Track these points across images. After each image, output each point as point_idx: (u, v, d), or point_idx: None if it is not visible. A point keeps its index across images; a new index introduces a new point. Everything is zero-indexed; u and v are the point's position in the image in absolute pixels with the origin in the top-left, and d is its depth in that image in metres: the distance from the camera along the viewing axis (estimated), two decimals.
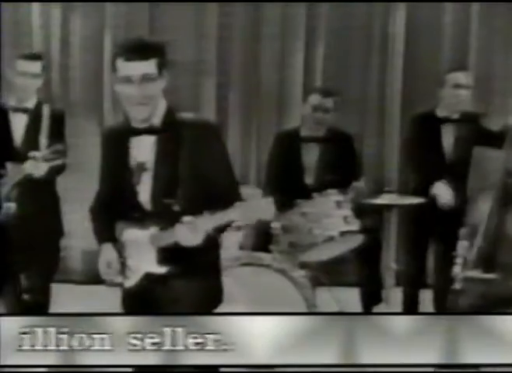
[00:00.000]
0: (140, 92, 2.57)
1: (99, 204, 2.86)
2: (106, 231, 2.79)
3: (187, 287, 2.65)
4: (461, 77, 4.45)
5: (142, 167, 2.67)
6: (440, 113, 4.50)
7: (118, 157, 2.71)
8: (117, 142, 2.73)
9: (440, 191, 4.28)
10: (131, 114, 2.65)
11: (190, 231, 2.52)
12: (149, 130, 2.66)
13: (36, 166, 3.72)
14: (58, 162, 3.81)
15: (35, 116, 3.94)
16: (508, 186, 4.02)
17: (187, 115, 2.72)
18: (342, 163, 4.46)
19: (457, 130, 4.46)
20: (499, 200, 3.99)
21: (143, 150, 2.67)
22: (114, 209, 2.78)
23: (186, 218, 2.54)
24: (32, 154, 3.74)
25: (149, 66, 2.57)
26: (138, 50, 2.58)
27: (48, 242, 4.06)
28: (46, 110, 3.95)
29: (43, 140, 3.85)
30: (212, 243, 2.62)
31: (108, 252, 2.74)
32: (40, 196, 3.90)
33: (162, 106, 2.68)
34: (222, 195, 2.60)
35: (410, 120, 4.72)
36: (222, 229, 2.60)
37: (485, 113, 4.46)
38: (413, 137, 4.58)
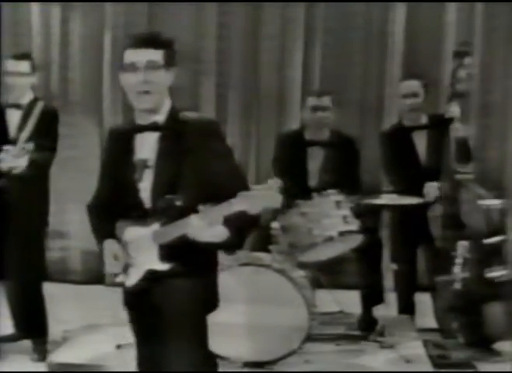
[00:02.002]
0: (144, 79, 2.60)
1: (98, 201, 2.86)
2: (106, 229, 2.78)
3: (188, 286, 2.64)
4: (407, 86, 4.51)
5: (144, 164, 2.68)
6: (408, 122, 4.55)
7: (121, 154, 2.73)
8: (121, 139, 2.75)
9: (434, 193, 4.29)
10: (135, 104, 2.66)
11: (200, 225, 2.51)
12: (153, 127, 2.68)
13: (9, 161, 3.80)
14: (27, 159, 3.83)
15: (28, 113, 4.03)
16: (457, 181, 4.11)
17: (190, 113, 2.73)
18: (344, 168, 4.46)
19: (428, 136, 4.50)
20: (449, 190, 4.06)
21: (146, 147, 2.69)
22: (114, 206, 2.78)
23: (195, 214, 2.53)
24: (4, 148, 3.83)
25: (155, 54, 2.63)
26: (146, 39, 2.65)
27: (34, 232, 4.11)
28: (38, 107, 4.05)
29: (24, 135, 3.94)
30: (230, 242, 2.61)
31: (112, 245, 2.74)
32: (30, 187, 3.95)
33: (167, 104, 2.71)
34: (229, 194, 2.59)
35: (380, 136, 4.77)
36: (248, 227, 2.60)
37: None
38: (387, 152, 4.64)
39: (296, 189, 4.25)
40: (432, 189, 4.27)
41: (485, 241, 4.07)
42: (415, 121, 4.54)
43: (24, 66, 4.05)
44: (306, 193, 4.25)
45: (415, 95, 4.48)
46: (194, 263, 2.64)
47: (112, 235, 2.76)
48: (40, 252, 4.22)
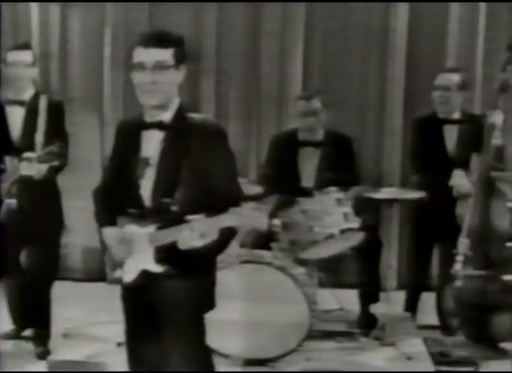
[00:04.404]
0: (151, 79, 2.59)
1: (104, 185, 2.90)
2: (108, 215, 2.79)
3: (183, 287, 2.65)
4: (446, 78, 4.49)
5: (146, 162, 2.69)
6: (441, 114, 4.53)
7: (127, 148, 2.75)
8: (128, 134, 2.76)
9: (459, 180, 4.27)
10: (142, 101, 2.66)
11: (191, 236, 2.53)
12: (159, 126, 2.68)
13: (32, 168, 3.68)
14: (53, 163, 3.74)
15: (32, 109, 3.89)
16: (490, 179, 4.06)
17: (197, 116, 2.73)
18: (341, 166, 4.45)
19: (460, 131, 4.48)
20: (483, 193, 4.04)
21: (150, 145, 2.70)
22: (117, 195, 2.79)
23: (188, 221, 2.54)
24: (26, 155, 3.69)
25: (164, 54, 2.61)
26: (155, 38, 2.63)
27: (50, 236, 4.05)
28: (43, 102, 3.90)
29: (40, 137, 3.79)
30: (215, 247, 2.61)
31: (115, 231, 2.74)
32: (41, 191, 3.85)
33: (175, 102, 2.70)
34: (224, 200, 2.59)
35: (413, 123, 4.74)
36: (232, 232, 2.60)
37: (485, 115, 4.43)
38: (417, 141, 4.61)
39: (290, 191, 4.25)
40: (459, 176, 4.25)
41: (509, 244, 4.02)
42: (447, 114, 4.50)
43: (27, 55, 3.90)
44: (299, 194, 4.25)
45: (447, 88, 4.45)
46: (189, 266, 2.63)
47: (113, 223, 2.76)
48: (57, 255, 4.19)
